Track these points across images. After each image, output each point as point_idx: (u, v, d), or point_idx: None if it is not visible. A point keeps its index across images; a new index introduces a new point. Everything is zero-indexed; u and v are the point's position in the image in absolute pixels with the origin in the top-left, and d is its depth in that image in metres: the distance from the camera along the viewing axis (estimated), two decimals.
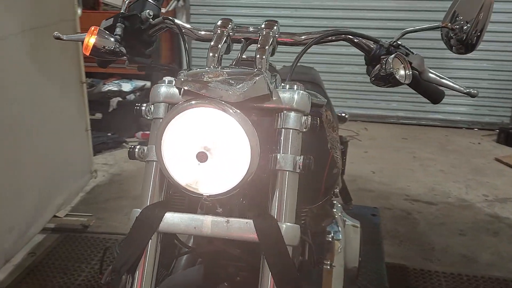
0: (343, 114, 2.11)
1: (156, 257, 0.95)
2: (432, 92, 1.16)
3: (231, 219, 0.91)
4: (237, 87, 0.86)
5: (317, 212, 1.61)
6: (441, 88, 1.16)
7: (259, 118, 0.96)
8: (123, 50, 1.13)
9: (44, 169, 2.58)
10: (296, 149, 0.94)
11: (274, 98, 0.93)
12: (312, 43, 1.06)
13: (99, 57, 1.13)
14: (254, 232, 0.89)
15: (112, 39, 1.12)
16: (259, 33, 1.06)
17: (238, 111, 0.85)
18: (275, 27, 1.07)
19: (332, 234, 1.61)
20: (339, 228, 1.63)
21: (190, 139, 0.86)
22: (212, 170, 0.86)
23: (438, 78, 1.10)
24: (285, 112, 0.95)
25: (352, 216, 1.85)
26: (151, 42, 1.22)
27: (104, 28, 1.16)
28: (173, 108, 0.89)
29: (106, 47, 1.11)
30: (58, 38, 1.24)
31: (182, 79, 0.87)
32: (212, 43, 1.03)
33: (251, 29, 1.10)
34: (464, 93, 1.09)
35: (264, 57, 1.00)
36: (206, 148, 0.85)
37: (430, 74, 1.10)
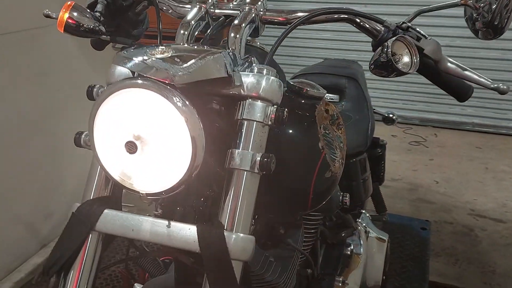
0: (391, 115, 1.92)
1: (96, 258, 0.84)
2: (455, 87, 0.96)
3: (173, 223, 0.77)
4: (182, 66, 0.72)
5: (336, 221, 1.44)
6: (468, 82, 0.95)
7: (223, 108, 0.82)
8: (103, 29, 1.03)
9: (86, 157, 2.58)
10: (258, 145, 0.79)
11: (236, 84, 0.79)
12: (298, 22, 0.90)
13: (76, 35, 1.03)
14: (195, 241, 0.75)
15: (89, 16, 1.02)
16: (240, 10, 0.92)
17: (177, 94, 0.71)
18: (259, 3, 0.92)
19: (352, 247, 1.42)
20: (361, 241, 1.45)
21: (120, 125, 0.73)
22: (145, 163, 0.73)
23: (459, 69, 0.90)
24: (249, 100, 0.79)
25: (397, 229, 1.64)
26: (138, 21, 1.11)
27: (88, 5, 1.07)
28: (105, 89, 0.77)
29: (83, 25, 1.01)
30: (47, 16, 1.17)
31: (121, 56, 0.75)
32: (185, 19, 0.90)
33: (232, 5, 0.96)
34: (491, 88, 0.88)
35: (238, 36, 0.86)
36: (136, 137, 0.72)
37: (449, 64, 0.90)
